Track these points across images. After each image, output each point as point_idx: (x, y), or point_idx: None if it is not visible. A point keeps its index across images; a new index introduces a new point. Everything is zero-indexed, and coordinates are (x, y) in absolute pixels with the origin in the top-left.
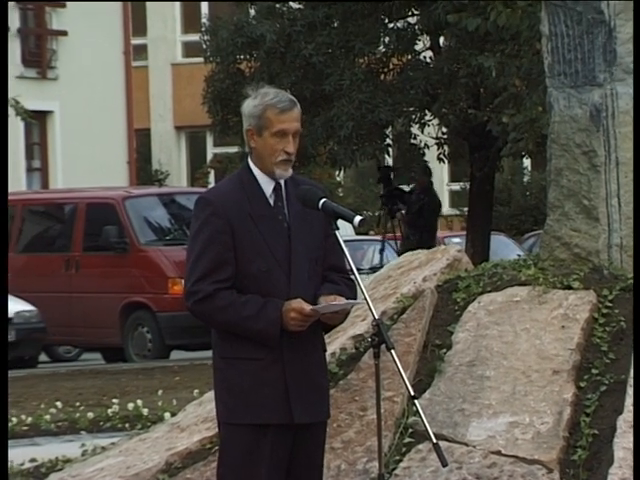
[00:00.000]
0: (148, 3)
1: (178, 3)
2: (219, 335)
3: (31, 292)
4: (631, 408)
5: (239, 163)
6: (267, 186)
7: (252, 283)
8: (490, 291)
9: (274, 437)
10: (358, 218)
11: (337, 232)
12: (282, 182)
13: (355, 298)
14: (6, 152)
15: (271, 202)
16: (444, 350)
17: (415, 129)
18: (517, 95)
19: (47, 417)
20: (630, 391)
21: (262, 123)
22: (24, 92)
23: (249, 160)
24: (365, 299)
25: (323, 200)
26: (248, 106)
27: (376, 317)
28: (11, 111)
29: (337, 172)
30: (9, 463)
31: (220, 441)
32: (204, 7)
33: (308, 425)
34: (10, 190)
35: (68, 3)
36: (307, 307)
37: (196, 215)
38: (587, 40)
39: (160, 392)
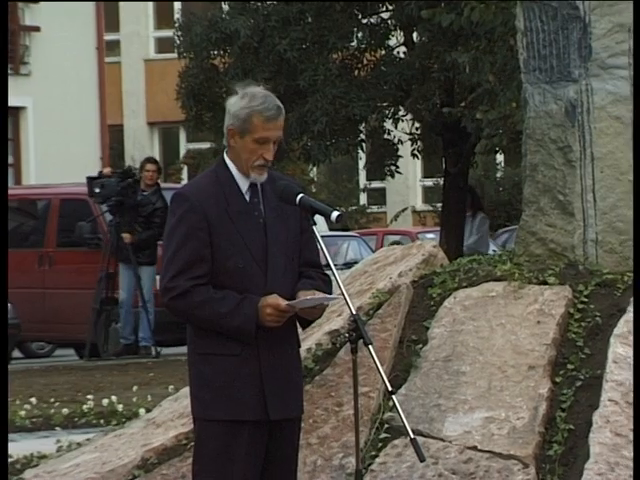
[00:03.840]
0: None
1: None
2: (195, 331)
3: None
4: (607, 403)
5: (212, 159)
6: (243, 182)
7: (229, 279)
8: (466, 286)
9: (250, 433)
10: (335, 213)
11: (314, 227)
12: None
13: (331, 293)
14: (6, 151)
15: (247, 198)
16: (420, 345)
17: (389, 124)
18: (491, 91)
19: (22, 413)
20: (606, 386)
21: (246, 127)
22: None
23: (225, 156)
24: (342, 294)
25: (300, 195)
26: (235, 105)
27: (354, 312)
28: None
29: (310, 168)
30: None
31: (195, 437)
32: (177, 3)
33: (283, 421)
34: None
35: None
36: (283, 303)
37: (172, 211)
38: (562, 36)
39: (135, 388)
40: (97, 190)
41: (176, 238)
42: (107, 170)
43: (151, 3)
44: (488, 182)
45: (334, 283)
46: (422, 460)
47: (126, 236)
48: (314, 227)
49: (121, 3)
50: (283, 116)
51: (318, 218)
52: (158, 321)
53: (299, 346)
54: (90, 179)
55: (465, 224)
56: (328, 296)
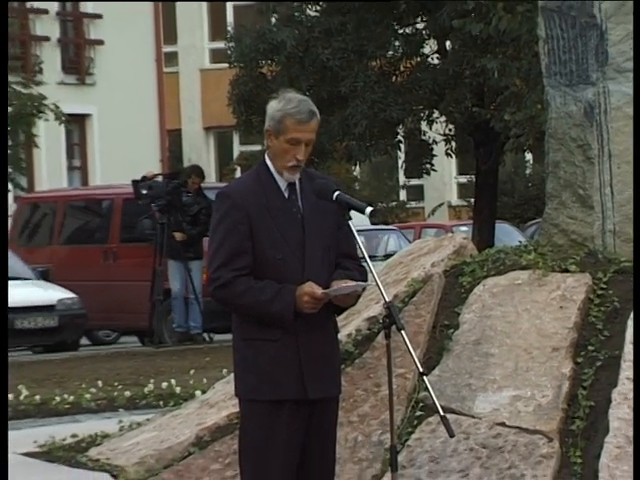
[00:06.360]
0: (178, 13)
1: (205, 12)
2: (239, 318)
3: (72, 281)
4: (625, 381)
5: None
6: (282, 180)
7: (268, 270)
8: (494, 275)
9: (290, 412)
10: (369, 209)
11: (350, 222)
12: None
13: (366, 282)
14: (6, 151)
15: (286, 195)
16: (452, 330)
17: (424, 126)
18: (518, 94)
19: (88, 396)
20: (624, 365)
21: (280, 128)
22: (64, 97)
23: (266, 156)
24: (377, 283)
25: (337, 193)
26: (271, 108)
27: (387, 300)
28: (51, 115)
29: (353, 167)
30: (52, 438)
31: (240, 416)
32: (229, 16)
33: (321, 400)
34: (53, 187)
35: (104, 14)
36: (318, 290)
37: (217, 208)
38: (581, 42)
39: (192, 372)
40: (144, 192)
41: (220, 233)
42: (150, 173)
43: (206, 15)
44: (518, 178)
45: (369, 273)
46: (451, 436)
47: (178, 235)
48: (350, 222)
49: (178, 17)
50: (316, 120)
51: (360, 214)
52: (207, 310)
53: (337, 331)
54: (135, 182)
55: None
56: (360, 283)
